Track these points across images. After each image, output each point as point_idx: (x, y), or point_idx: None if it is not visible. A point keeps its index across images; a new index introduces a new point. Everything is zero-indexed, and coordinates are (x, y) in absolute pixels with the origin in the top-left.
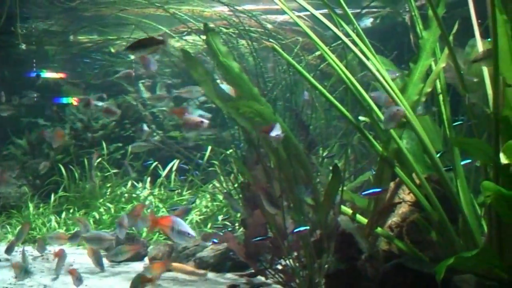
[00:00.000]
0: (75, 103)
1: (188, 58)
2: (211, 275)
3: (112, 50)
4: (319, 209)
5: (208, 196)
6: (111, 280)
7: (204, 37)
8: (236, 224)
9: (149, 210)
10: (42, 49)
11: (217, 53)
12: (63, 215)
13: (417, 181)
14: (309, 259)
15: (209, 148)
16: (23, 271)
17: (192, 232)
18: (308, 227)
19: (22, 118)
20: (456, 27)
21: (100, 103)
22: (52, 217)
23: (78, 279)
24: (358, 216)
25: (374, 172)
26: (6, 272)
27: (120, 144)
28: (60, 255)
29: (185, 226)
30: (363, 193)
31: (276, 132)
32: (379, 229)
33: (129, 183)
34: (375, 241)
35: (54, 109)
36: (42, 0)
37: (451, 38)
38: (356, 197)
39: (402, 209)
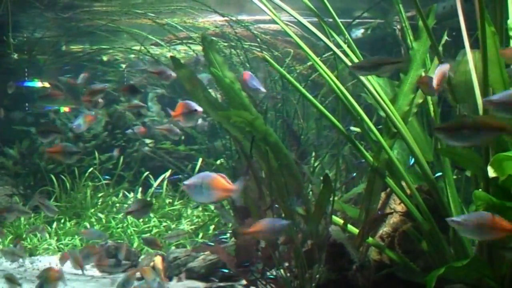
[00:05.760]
0: (66, 110)
1: (179, 66)
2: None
3: (104, 59)
4: (310, 219)
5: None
6: None
7: (197, 47)
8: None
9: None
10: (34, 59)
11: (213, 63)
12: (54, 225)
13: (408, 191)
14: (300, 269)
15: (200, 159)
16: None
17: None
18: None
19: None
20: (445, 37)
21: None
22: None
23: None
24: (349, 226)
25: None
26: None
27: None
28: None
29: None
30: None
31: None
32: (370, 239)
33: (121, 193)
34: (366, 251)
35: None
36: (35, 10)
37: (441, 49)
38: (347, 207)
39: (393, 219)
